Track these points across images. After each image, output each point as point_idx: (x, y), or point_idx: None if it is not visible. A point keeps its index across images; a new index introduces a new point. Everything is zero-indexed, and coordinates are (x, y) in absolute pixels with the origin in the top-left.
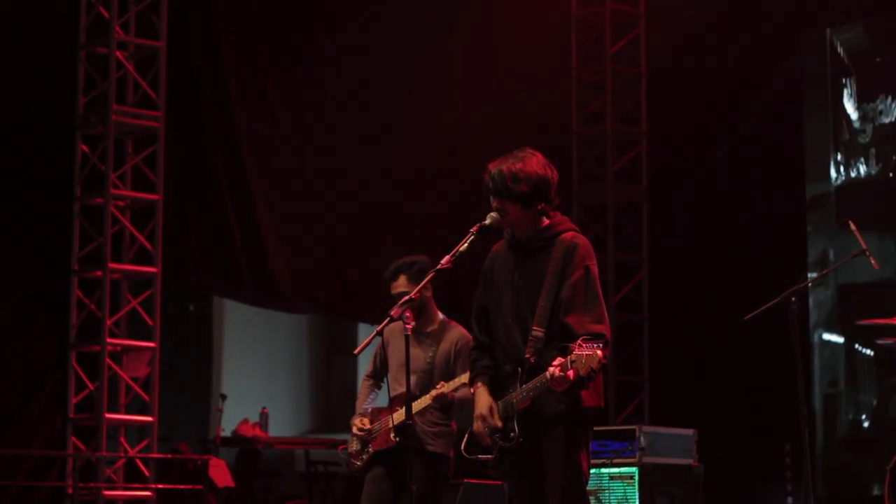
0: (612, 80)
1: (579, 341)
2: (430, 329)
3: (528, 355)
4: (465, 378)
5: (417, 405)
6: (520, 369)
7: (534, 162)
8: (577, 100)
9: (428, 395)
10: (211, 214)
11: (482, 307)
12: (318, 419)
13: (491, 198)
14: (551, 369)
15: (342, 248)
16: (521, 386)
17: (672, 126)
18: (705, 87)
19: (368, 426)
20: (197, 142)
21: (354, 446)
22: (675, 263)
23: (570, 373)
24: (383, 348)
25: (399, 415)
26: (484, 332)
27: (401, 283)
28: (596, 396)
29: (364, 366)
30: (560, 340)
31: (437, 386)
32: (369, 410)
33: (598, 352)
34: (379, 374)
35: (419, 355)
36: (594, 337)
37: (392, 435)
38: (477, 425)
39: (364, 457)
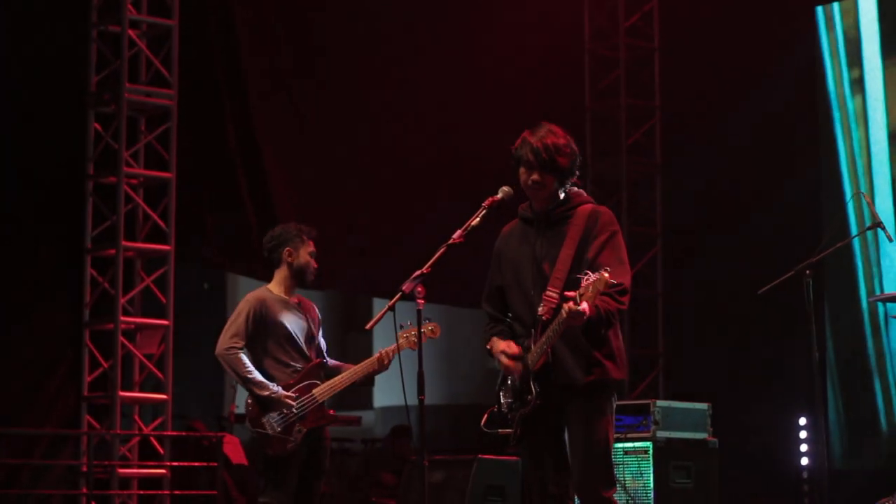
0: (625, 55)
1: (586, 272)
2: (295, 301)
3: (540, 313)
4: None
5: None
6: (533, 331)
7: (565, 136)
8: (591, 74)
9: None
10: (225, 191)
11: (497, 288)
12: (333, 396)
13: (527, 170)
14: (566, 305)
15: (359, 222)
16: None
17: (686, 100)
18: (719, 61)
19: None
20: (211, 119)
21: (278, 426)
22: (689, 237)
23: (586, 307)
24: (263, 317)
25: (321, 390)
26: (498, 311)
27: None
28: (621, 369)
29: (379, 340)
30: None
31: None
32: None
33: (605, 274)
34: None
35: (304, 325)
36: (614, 286)
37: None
38: (503, 361)
39: (297, 436)
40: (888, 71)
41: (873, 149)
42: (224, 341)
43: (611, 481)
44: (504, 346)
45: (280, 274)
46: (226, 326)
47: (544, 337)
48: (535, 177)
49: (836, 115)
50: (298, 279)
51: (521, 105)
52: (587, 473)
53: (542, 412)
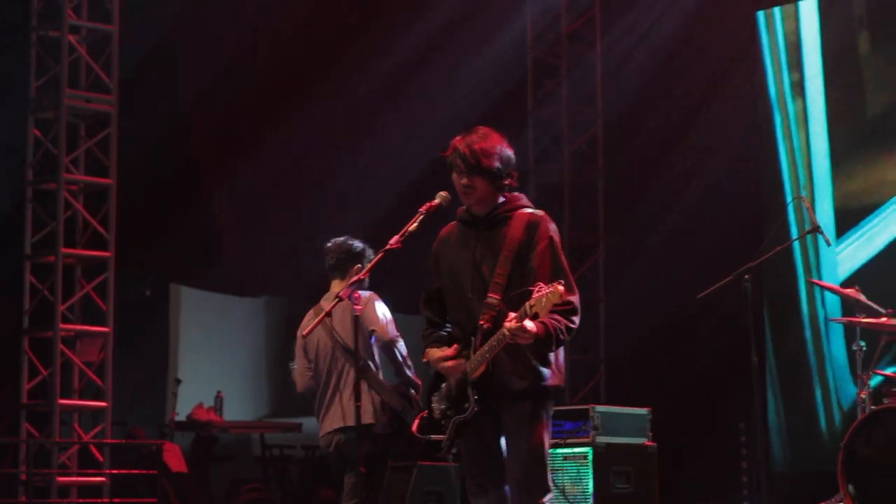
0: (567, 61)
1: (538, 284)
2: None
3: (481, 321)
4: None
5: None
6: (473, 339)
7: (497, 139)
8: (533, 80)
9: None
10: (165, 199)
11: (436, 290)
12: (275, 403)
13: (457, 175)
14: (507, 323)
15: (297, 230)
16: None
17: (628, 106)
18: (661, 66)
19: None
20: (150, 125)
21: None
22: (630, 243)
23: (533, 326)
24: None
25: None
26: (437, 314)
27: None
28: (558, 375)
29: None
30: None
31: None
32: None
33: (560, 287)
34: None
35: None
36: (563, 304)
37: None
38: (444, 366)
39: None
40: (828, 77)
41: (814, 154)
42: (391, 329)
43: (546, 487)
44: (440, 354)
45: (341, 286)
46: (385, 319)
47: (487, 346)
48: (464, 181)
49: (777, 118)
50: None
51: (466, 110)
52: (523, 479)
53: (478, 418)
